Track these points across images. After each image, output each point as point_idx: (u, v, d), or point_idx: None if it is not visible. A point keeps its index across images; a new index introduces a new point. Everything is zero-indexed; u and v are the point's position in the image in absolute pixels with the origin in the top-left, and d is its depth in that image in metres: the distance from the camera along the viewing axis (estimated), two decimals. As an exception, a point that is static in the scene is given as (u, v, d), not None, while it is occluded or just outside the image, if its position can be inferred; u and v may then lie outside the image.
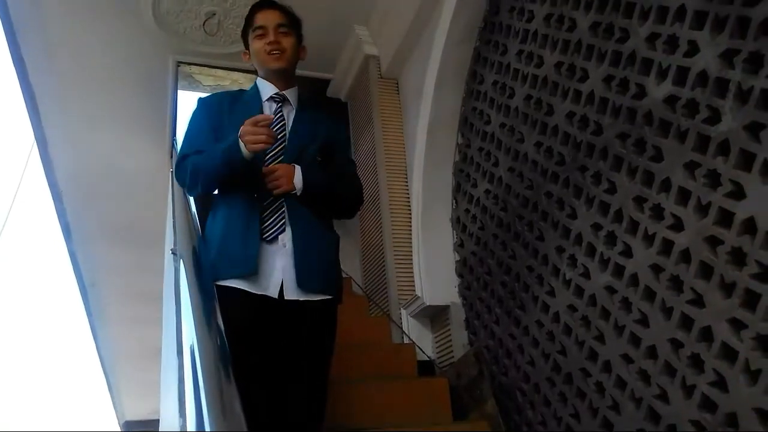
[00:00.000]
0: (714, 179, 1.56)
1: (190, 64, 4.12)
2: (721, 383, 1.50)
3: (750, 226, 1.45)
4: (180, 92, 4.21)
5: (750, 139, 1.47)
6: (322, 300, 1.77)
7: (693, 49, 1.65)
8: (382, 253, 3.30)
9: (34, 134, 4.16)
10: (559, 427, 2.07)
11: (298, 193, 1.79)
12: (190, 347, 1.10)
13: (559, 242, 2.15)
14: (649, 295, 1.74)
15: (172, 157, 4.13)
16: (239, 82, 5.80)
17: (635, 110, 1.84)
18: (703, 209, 1.59)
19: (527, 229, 2.35)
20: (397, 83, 3.68)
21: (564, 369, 2.08)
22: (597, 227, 1.97)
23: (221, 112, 1.90)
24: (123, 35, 3.64)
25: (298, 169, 1.80)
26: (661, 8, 1.77)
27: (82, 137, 4.30)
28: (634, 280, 1.80)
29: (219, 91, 4.51)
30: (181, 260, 1.65)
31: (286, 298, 1.72)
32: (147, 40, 3.69)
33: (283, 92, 1.94)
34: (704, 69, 1.61)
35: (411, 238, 3.16)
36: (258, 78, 1.99)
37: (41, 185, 4.63)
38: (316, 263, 1.78)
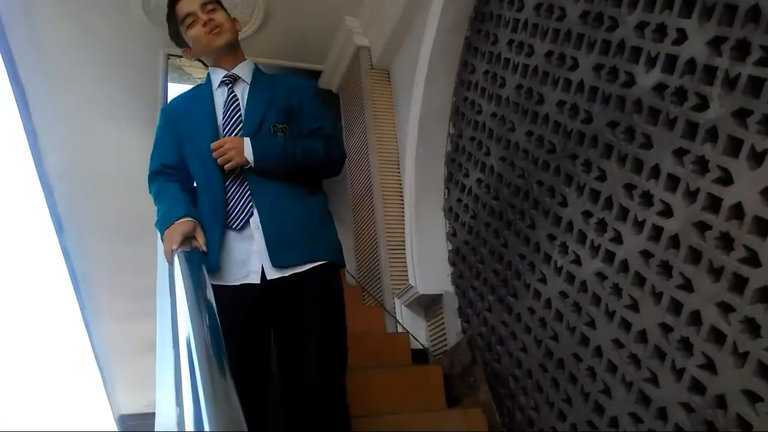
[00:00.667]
0: (702, 166, 1.59)
1: (180, 56, 4.13)
2: (710, 366, 1.52)
3: (737, 212, 1.48)
4: (171, 85, 4.21)
5: (737, 125, 1.49)
6: (312, 268, 1.66)
7: (681, 36, 1.67)
8: (376, 243, 3.32)
9: (24, 127, 4.14)
10: (551, 412, 2.10)
11: (253, 165, 1.70)
12: (186, 339, 1.11)
13: (550, 230, 2.17)
14: (639, 280, 1.77)
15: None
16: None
17: (625, 98, 1.86)
18: (691, 195, 1.61)
19: (519, 218, 2.37)
20: (389, 74, 3.68)
21: (556, 354, 2.10)
22: (587, 214, 2.00)
23: (178, 119, 1.86)
24: (113, 29, 3.63)
25: (247, 140, 1.71)
26: (650, -3, 1.79)
27: (73, 130, 4.29)
28: (625, 266, 1.82)
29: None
30: (176, 253, 1.66)
31: (268, 278, 1.64)
32: (137, 33, 3.67)
33: (232, 71, 1.86)
34: (692, 56, 1.63)
35: (404, 228, 3.18)
36: (209, 69, 1.92)
37: (32, 179, 4.62)
38: (292, 234, 1.67)
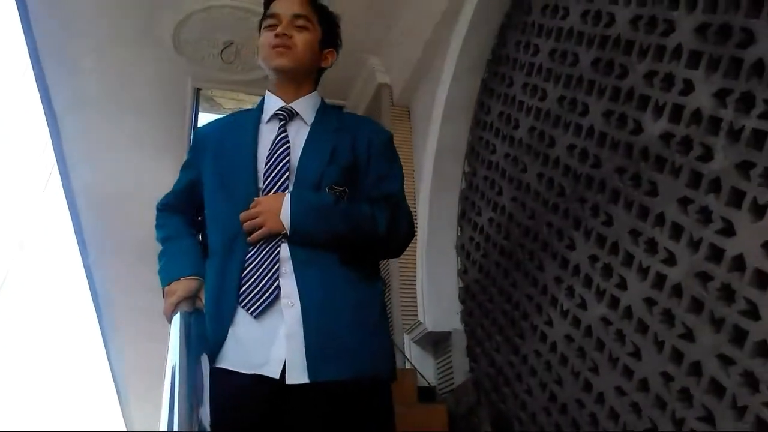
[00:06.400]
0: (706, 216, 1.59)
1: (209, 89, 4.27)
2: (709, 418, 1.51)
3: (739, 263, 1.47)
4: (202, 114, 4.33)
5: (741, 177, 1.49)
6: (355, 381, 1.25)
7: (688, 87, 1.69)
8: (388, 277, 3.34)
9: (55, 153, 4.30)
10: (553, 458, 2.08)
11: (288, 233, 1.31)
12: (172, 369, 1.14)
13: (557, 272, 2.18)
14: (643, 328, 1.76)
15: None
16: (259, 105, 5.88)
17: (632, 145, 1.87)
18: (695, 245, 1.61)
19: (528, 259, 2.38)
20: (409, 111, 3.74)
21: (560, 399, 2.09)
22: (594, 259, 2.00)
23: (206, 148, 1.52)
24: (144, 62, 3.77)
25: (286, 198, 1.33)
26: (659, 47, 1.81)
27: (102, 157, 4.43)
28: (629, 312, 1.82)
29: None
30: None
31: (288, 382, 1.21)
32: (167, 67, 3.81)
33: (290, 105, 1.49)
34: (698, 107, 1.64)
35: (416, 264, 3.19)
36: (267, 90, 1.56)
37: (60, 203, 4.77)
38: (342, 340, 1.26)
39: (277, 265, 1.31)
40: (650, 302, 1.74)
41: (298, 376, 1.22)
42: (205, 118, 4.34)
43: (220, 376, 1.25)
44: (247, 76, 4.08)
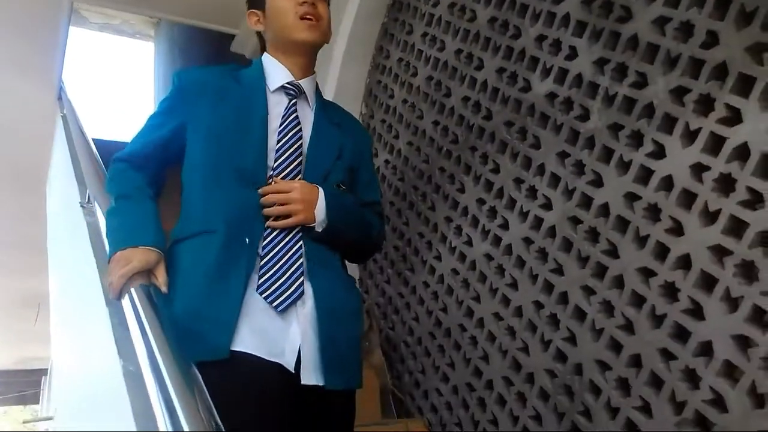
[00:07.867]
0: (580, 168, 1.84)
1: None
2: (572, 339, 1.80)
3: (604, 210, 1.74)
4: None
5: (611, 137, 1.75)
6: (345, 392, 1.33)
7: (573, 53, 1.91)
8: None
9: None
10: (436, 375, 2.35)
11: (319, 229, 1.30)
12: (129, 298, 1.15)
13: (448, 213, 2.39)
14: (520, 263, 2.02)
15: (60, 99, 3.99)
16: (131, 22, 5.56)
17: (521, 102, 2.09)
18: (569, 193, 1.86)
19: (421, 200, 2.58)
20: (305, 47, 3.75)
21: (444, 324, 2.34)
22: (481, 202, 2.23)
23: (200, 101, 1.37)
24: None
25: (321, 192, 1.31)
26: (550, 13, 2.01)
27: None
28: (509, 249, 2.07)
29: (148, 34, 4.37)
30: (97, 207, 1.52)
31: (304, 382, 1.23)
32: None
33: (299, 82, 1.42)
34: (580, 72, 1.87)
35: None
36: (265, 54, 1.46)
37: None
38: (346, 350, 1.32)
39: (300, 260, 1.28)
40: (528, 241, 2.00)
41: (311, 377, 1.24)
42: (71, 32, 4.08)
43: (239, 359, 1.18)
44: (130, -6, 3.87)
